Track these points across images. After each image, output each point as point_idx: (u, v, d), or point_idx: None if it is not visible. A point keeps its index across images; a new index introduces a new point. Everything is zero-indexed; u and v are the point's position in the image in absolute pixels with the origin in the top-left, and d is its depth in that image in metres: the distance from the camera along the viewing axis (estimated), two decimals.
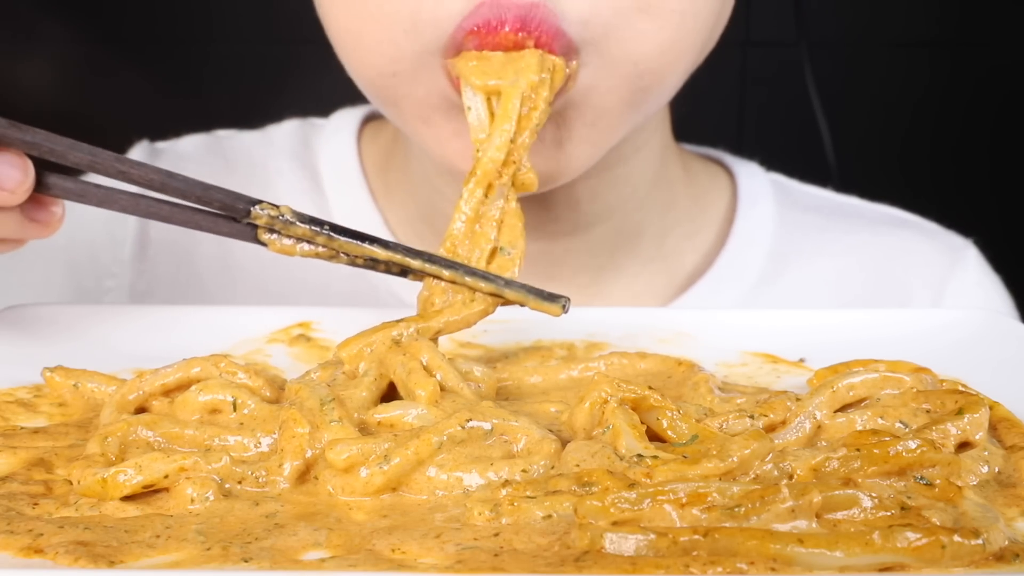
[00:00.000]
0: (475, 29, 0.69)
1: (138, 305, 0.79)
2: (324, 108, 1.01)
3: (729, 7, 0.79)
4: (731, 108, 1.65)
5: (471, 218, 0.68)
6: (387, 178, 0.95)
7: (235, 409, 0.60)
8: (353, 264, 0.67)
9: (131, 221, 0.95)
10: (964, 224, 1.02)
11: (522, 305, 0.67)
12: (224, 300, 0.93)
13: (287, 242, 0.66)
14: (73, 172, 0.65)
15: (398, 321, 0.66)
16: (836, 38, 1.63)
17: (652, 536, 0.47)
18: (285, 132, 1.01)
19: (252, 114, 1.03)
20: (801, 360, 0.71)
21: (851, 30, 1.65)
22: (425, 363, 0.62)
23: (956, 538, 0.46)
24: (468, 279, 0.67)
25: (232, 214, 0.65)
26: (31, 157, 0.62)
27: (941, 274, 0.97)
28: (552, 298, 0.67)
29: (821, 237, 0.98)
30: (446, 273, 0.67)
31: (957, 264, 0.98)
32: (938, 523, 0.48)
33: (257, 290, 0.93)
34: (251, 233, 0.66)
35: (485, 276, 0.67)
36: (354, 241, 0.66)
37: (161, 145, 0.99)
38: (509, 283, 0.67)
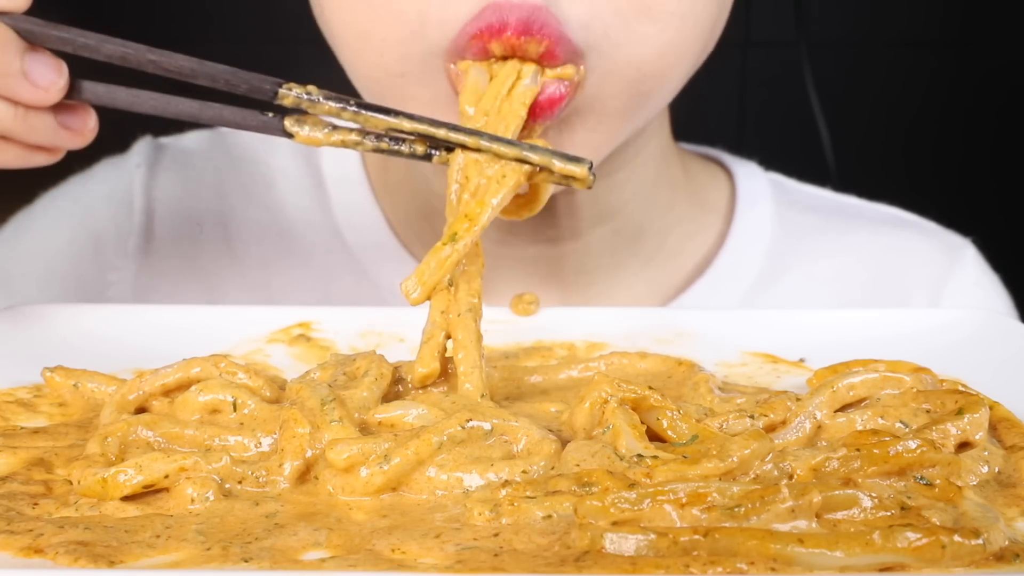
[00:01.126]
0: (478, 33, 0.69)
1: (138, 305, 0.79)
2: None
3: (728, 8, 0.79)
4: (731, 108, 1.65)
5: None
6: (388, 177, 0.95)
7: (235, 409, 0.60)
8: (378, 149, 0.66)
9: (136, 216, 0.95)
10: (963, 223, 1.02)
11: (548, 169, 0.66)
12: (227, 295, 0.93)
13: (313, 132, 0.66)
14: (106, 74, 0.65)
15: (452, 235, 0.66)
16: (835, 38, 1.63)
17: (652, 536, 0.47)
18: None
19: (256, 110, 1.03)
20: (801, 360, 0.71)
21: (850, 30, 1.65)
22: (459, 339, 0.63)
23: (956, 538, 0.46)
24: (492, 145, 0.66)
25: (260, 95, 0.65)
26: (65, 56, 0.63)
27: (940, 273, 0.97)
28: (576, 160, 0.66)
29: (820, 236, 0.98)
30: (469, 140, 0.66)
31: (956, 263, 0.98)
32: (938, 523, 0.48)
33: (260, 286, 0.93)
34: (278, 125, 0.66)
35: (509, 142, 0.66)
36: (379, 115, 0.66)
37: (165, 140, 0.99)
38: (533, 147, 0.66)
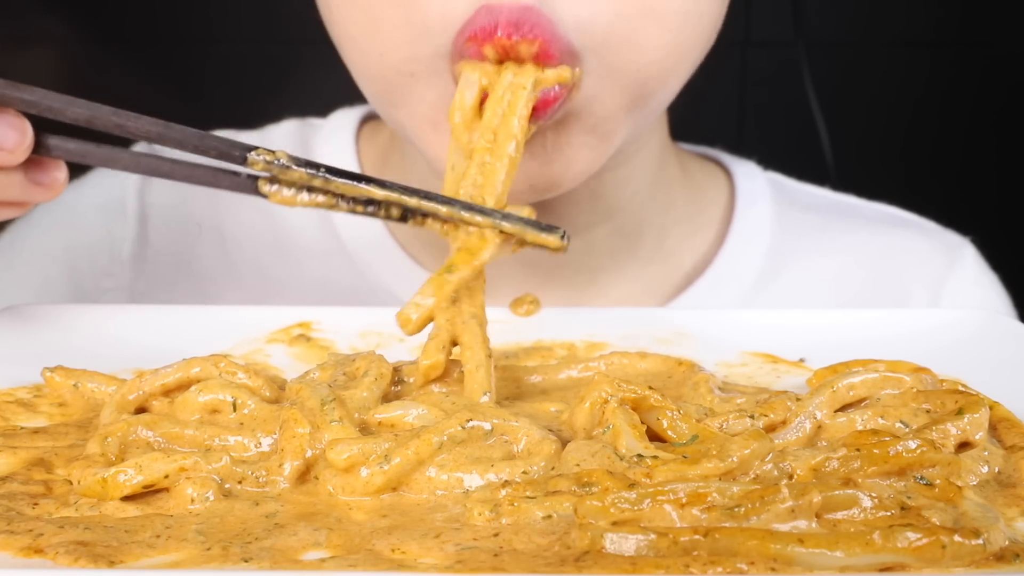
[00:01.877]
0: (473, 36, 0.69)
1: (138, 305, 0.79)
2: (322, 108, 1.01)
3: (725, 8, 0.78)
4: (730, 108, 1.65)
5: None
6: (386, 177, 0.95)
7: (235, 409, 0.60)
8: (353, 211, 0.67)
9: (130, 222, 0.95)
10: (961, 223, 1.02)
11: (521, 238, 0.67)
12: (223, 300, 0.92)
13: (287, 192, 0.66)
14: (74, 133, 0.65)
15: (445, 273, 0.66)
16: (835, 38, 1.63)
17: (652, 536, 0.47)
18: (283, 132, 1.01)
19: (250, 114, 1.03)
20: (801, 360, 0.71)
21: (849, 30, 1.65)
22: (464, 341, 0.64)
23: (956, 538, 0.46)
24: (465, 214, 0.66)
25: (229, 161, 0.65)
26: (31, 117, 0.63)
27: (939, 272, 0.97)
28: (550, 229, 0.67)
29: (819, 236, 0.98)
30: (443, 209, 0.66)
31: (955, 262, 0.98)
32: (938, 523, 0.48)
33: (256, 290, 0.93)
34: (252, 186, 0.66)
35: (482, 210, 0.67)
36: (350, 182, 0.66)
37: (159, 145, 0.99)
38: (506, 216, 0.67)
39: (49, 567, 0.48)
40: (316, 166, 0.65)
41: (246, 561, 0.48)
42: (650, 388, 0.60)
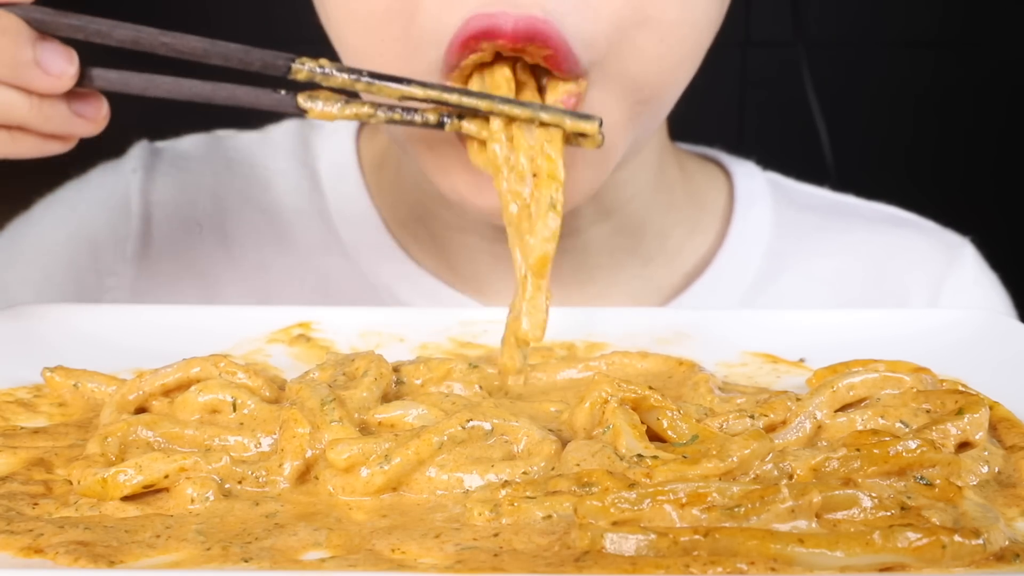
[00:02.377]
0: (469, 38, 0.68)
1: (138, 305, 0.79)
2: None
3: (724, 12, 0.78)
4: (730, 108, 1.66)
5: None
6: (383, 177, 0.95)
7: (235, 409, 0.60)
8: (391, 120, 0.68)
9: (133, 220, 0.95)
10: (961, 222, 1.02)
11: (559, 127, 0.68)
12: (225, 298, 0.93)
13: (326, 106, 0.67)
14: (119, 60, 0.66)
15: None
16: (834, 38, 1.63)
17: (652, 536, 0.47)
18: (284, 132, 1.01)
19: (252, 114, 1.03)
20: (801, 360, 0.71)
21: (849, 30, 1.65)
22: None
23: (957, 538, 0.46)
24: (504, 107, 0.67)
25: (273, 71, 0.66)
26: (78, 43, 0.64)
27: (938, 272, 0.97)
28: (586, 117, 0.68)
29: (819, 236, 0.98)
30: (483, 104, 0.67)
31: (954, 262, 0.98)
32: (938, 523, 0.48)
33: (258, 289, 0.93)
34: (291, 102, 0.68)
35: (520, 103, 0.68)
36: (392, 84, 0.67)
37: (161, 144, 0.99)
38: (544, 107, 0.68)
39: (49, 567, 0.48)
40: (358, 72, 0.67)
41: (246, 561, 0.48)
42: (650, 388, 0.60)
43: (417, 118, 0.68)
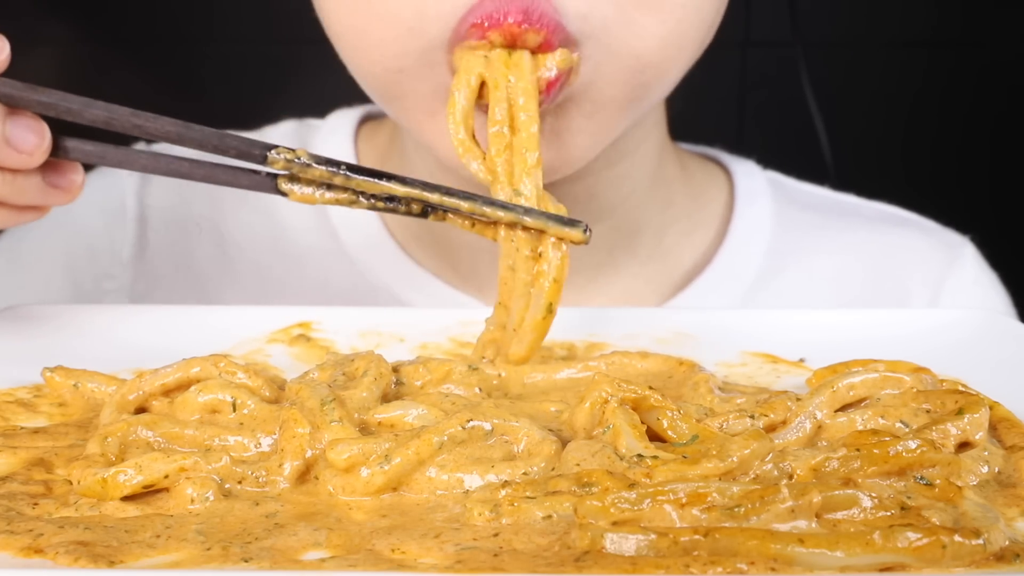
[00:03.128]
0: (478, 22, 0.69)
1: (138, 305, 0.79)
2: (321, 109, 1.01)
3: (724, 3, 0.79)
4: (729, 108, 1.65)
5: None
6: None
7: (235, 409, 0.60)
8: (374, 208, 0.67)
9: (130, 224, 0.95)
10: (961, 222, 1.02)
11: (542, 232, 0.67)
12: (223, 301, 0.92)
13: (307, 190, 0.66)
14: (90, 135, 0.65)
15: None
16: (834, 38, 1.63)
17: (652, 536, 0.47)
18: (282, 133, 1.01)
19: (250, 114, 1.03)
20: (801, 360, 0.71)
21: (848, 30, 1.65)
22: None
23: (957, 538, 0.46)
24: (487, 210, 0.67)
25: (249, 160, 0.65)
26: (49, 119, 0.63)
27: (939, 271, 0.97)
28: (572, 223, 0.67)
29: (819, 235, 0.98)
30: (465, 205, 0.67)
31: (955, 261, 0.98)
32: (938, 523, 0.48)
33: (256, 291, 0.93)
34: (271, 184, 0.66)
35: (504, 205, 0.67)
36: (371, 179, 0.66)
37: (157, 147, 0.99)
38: (528, 211, 0.67)
39: (49, 567, 0.48)
40: (336, 164, 0.66)
41: (246, 561, 0.48)
42: (650, 388, 0.60)
43: (401, 207, 0.67)
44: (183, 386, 0.63)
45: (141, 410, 0.63)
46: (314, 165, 0.65)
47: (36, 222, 0.97)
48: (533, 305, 0.67)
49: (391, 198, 0.66)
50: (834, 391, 0.61)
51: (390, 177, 0.66)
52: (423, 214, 0.67)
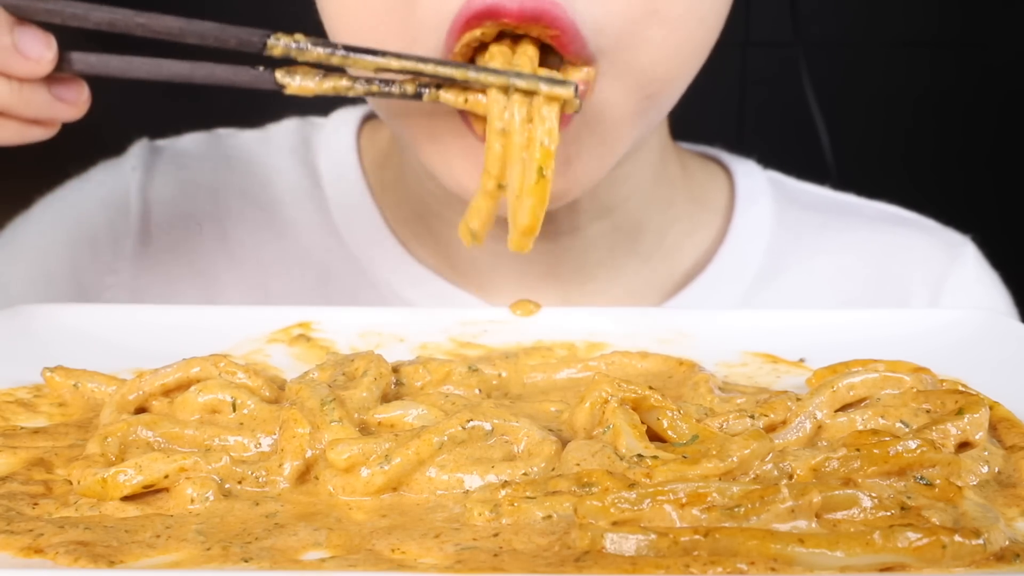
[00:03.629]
0: (474, 15, 0.68)
1: (138, 305, 0.79)
2: (323, 108, 1.01)
3: (727, 12, 0.78)
4: (730, 108, 1.66)
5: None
6: (383, 175, 0.95)
7: (235, 409, 0.60)
8: (369, 93, 0.68)
9: (132, 218, 0.95)
10: (962, 221, 1.02)
11: (534, 93, 0.67)
12: (224, 297, 0.92)
13: (304, 81, 0.68)
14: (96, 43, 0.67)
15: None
16: (834, 38, 1.63)
17: (653, 536, 0.47)
18: (285, 131, 1.01)
19: (251, 113, 1.03)
20: (801, 360, 0.71)
21: (848, 30, 1.65)
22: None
23: (957, 538, 0.46)
24: (479, 76, 0.67)
25: (248, 48, 0.67)
26: (55, 27, 0.65)
27: (940, 271, 0.97)
28: (561, 83, 0.67)
29: (819, 234, 0.98)
30: (457, 72, 0.67)
31: (956, 261, 0.98)
32: (938, 523, 0.48)
33: (258, 286, 0.93)
34: (270, 78, 0.68)
35: (495, 72, 0.67)
36: (367, 56, 0.67)
37: (161, 143, 0.99)
38: (519, 74, 0.68)
39: (49, 567, 0.48)
40: (333, 45, 0.67)
41: (246, 561, 0.48)
42: (650, 388, 0.59)
43: (395, 90, 0.68)
44: (183, 386, 0.63)
45: (141, 410, 0.63)
46: (311, 47, 0.67)
47: (38, 217, 0.98)
48: (527, 170, 0.67)
49: (385, 82, 0.68)
50: (834, 391, 0.61)
51: (385, 53, 0.68)
52: (416, 96, 0.69)
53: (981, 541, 0.46)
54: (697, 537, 0.47)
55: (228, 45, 0.66)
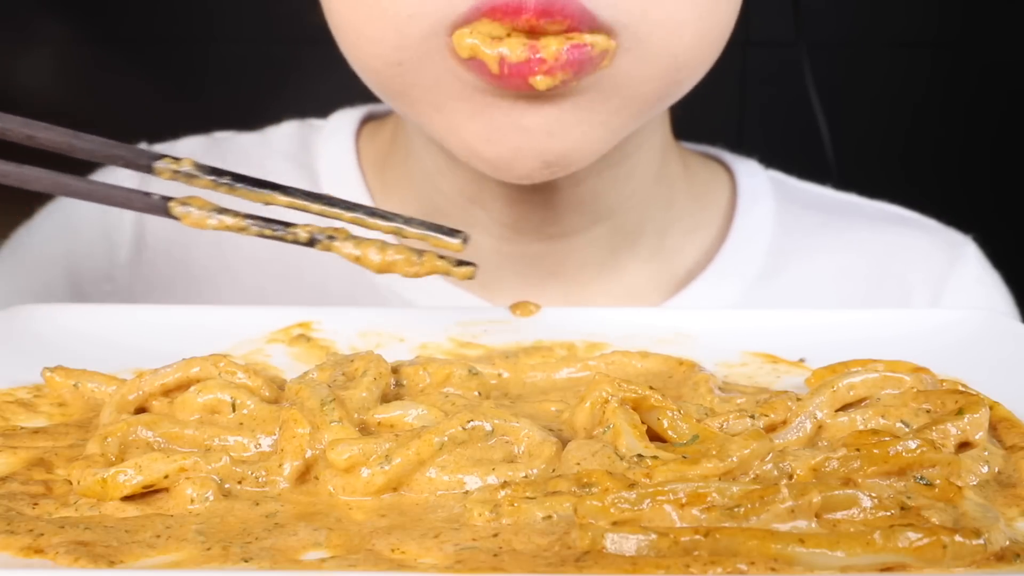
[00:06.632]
0: (490, 11, 0.68)
1: (138, 305, 0.79)
2: (323, 109, 1.01)
3: (739, 4, 0.78)
4: (731, 107, 1.66)
5: None
6: (385, 177, 0.95)
7: (234, 409, 0.60)
8: (262, 235, 0.67)
9: (128, 225, 0.95)
10: (963, 221, 1.02)
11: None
12: (222, 302, 0.92)
13: (198, 214, 0.66)
14: None
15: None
16: (836, 38, 1.63)
17: (653, 536, 0.47)
18: (283, 134, 1.01)
19: (250, 114, 1.03)
20: (801, 360, 0.71)
21: (850, 30, 1.65)
22: None
23: (957, 538, 0.46)
24: (369, 219, 0.66)
25: (136, 169, 0.66)
26: None
27: (941, 271, 0.97)
28: (452, 233, 0.67)
29: (821, 234, 0.98)
30: (346, 214, 0.66)
31: (957, 261, 0.98)
32: (938, 523, 0.48)
33: (255, 290, 0.93)
34: (163, 207, 0.66)
35: (385, 215, 0.67)
36: (253, 188, 0.66)
37: (158, 147, 0.99)
38: (409, 220, 0.67)
39: (49, 567, 0.48)
40: (221, 172, 0.66)
41: (246, 561, 0.48)
42: (650, 388, 0.59)
43: (288, 235, 0.66)
44: (183, 386, 0.63)
45: (141, 410, 0.63)
46: (199, 175, 0.65)
47: (38, 226, 0.98)
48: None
49: (280, 225, 0.66)
50: (834, 391, 0.61)
51: (273, 186, 0.66)
52: (310, 243, 0.67)
53: (982, 541, 0.46)
54: (697, 537, 0.47)
55: (117, 164, 0.65)
